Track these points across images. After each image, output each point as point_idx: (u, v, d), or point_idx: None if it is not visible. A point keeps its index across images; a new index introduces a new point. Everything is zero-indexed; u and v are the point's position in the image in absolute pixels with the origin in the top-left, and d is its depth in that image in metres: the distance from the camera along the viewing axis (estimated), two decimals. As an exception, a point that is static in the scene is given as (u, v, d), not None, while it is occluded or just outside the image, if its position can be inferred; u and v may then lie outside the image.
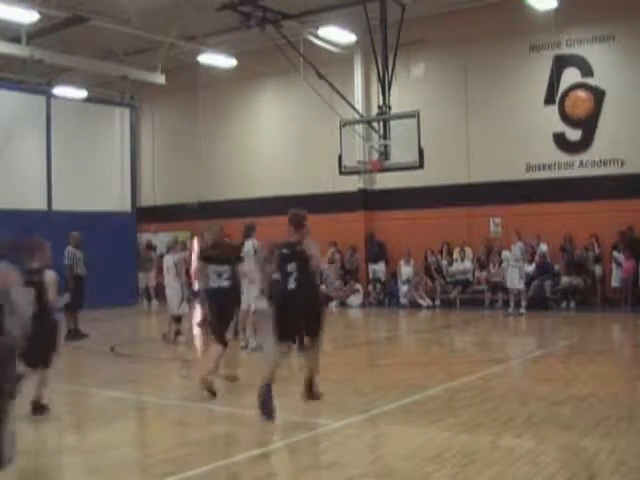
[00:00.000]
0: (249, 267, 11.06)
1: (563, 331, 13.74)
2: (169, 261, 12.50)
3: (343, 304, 18.51)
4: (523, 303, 15.75)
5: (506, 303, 16.45)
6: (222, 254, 7.93)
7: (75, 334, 13.11)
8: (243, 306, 11.24)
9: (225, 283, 7.82)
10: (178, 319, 12.44)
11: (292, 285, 6.88)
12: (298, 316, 6.94)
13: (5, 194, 17.92)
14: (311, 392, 7.23)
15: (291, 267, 6.92)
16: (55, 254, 15.92)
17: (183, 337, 12.36)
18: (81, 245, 13.36)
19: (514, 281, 15.78)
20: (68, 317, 13.10)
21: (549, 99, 17.51)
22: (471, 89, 18.42)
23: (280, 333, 6.91)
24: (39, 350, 6.04)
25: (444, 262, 18.36)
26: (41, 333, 5.75)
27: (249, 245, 11.08)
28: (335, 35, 17.61)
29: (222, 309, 7.82)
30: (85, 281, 13.38)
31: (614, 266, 16.09)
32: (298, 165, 21.12)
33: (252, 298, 11.05)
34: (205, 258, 7.93)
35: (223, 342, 7.66)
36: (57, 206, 19.21)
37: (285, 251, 7.03)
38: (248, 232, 11.23)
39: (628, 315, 15.26)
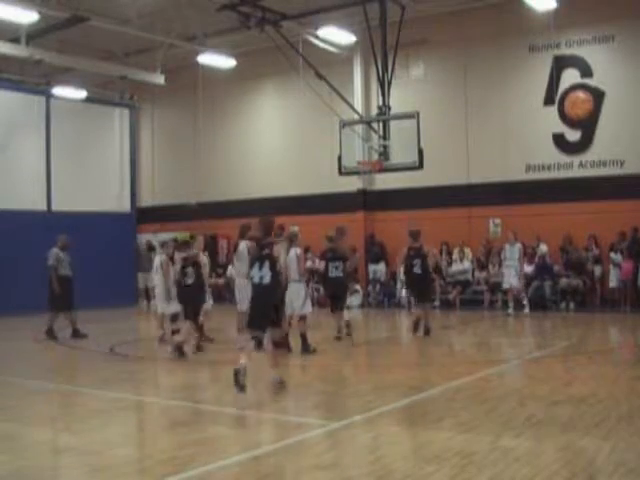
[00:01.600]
0: (242, 268, 11.05)
1: (562, 331, 13.75)
2: (157, 261, 12.57)
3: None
4: (510, 304, 15.86)
5: (505, 304, 16.47)
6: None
7: (75, 333, 13.24)
8: (241, 307, 11.23)
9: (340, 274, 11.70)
10: (174, 318, 12.42)
11: (417, 270, 12.11)
12: (416, 285, 12.58)
13: (5, 194, 17.93)
14: (416, 328, 12.41)
15: (416, 261, 12.05)
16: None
17: (181, 337, 12.34)
18: (68, 247, 13.44)
19: (510, 280, 15.81)
20: (63, 317, 13.30)
21: (549, 100, 17.53)
22: (470, 90, 18.44)
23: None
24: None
25: (443, 262, 18.37)
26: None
27: (243, 246, 11.05)
28: (334, 36, 17.63)
29: (334, 292, 12.04)
30: (72, 281, 13.42)
31: (611, 267, 16.12)
32: (298, 165, 21.13)
33: (248, 298, 11.02)
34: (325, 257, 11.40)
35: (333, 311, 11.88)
36: (56, 206, 19.22)
37: (412, 252, 12.01)
38: (243, 232, 11.20)
39: (627, 315, 15.28)
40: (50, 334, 13.16)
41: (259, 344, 8.29)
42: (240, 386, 7.31)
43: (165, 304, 12.29)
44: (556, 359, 10.22)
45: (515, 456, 5.29)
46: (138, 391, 8.61)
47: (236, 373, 7.30)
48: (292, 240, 10.96)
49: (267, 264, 7.75)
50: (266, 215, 8.51)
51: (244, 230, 11.20)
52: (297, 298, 10.67)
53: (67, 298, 13.19)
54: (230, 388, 7.74)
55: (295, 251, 10.79)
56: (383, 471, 5.09)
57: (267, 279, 7.75)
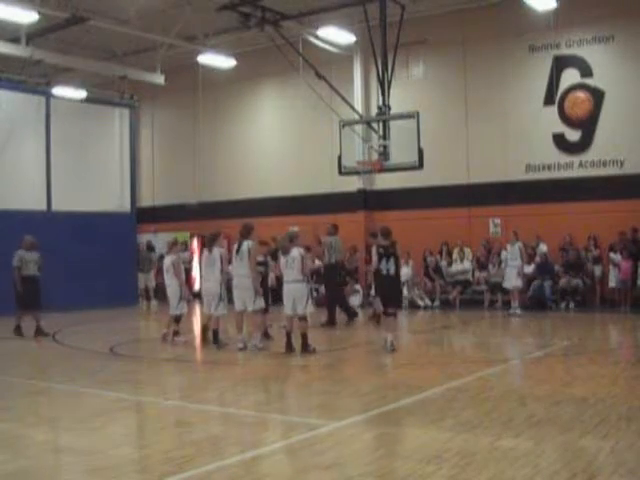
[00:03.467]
0: (244, 268, 11.03)
1: (562, 331, 13.74)
2: (167, 261, 12.51)
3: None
4: (515, 303, 15.71)
5: (506, 303, 16.45)
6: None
7: (18, 331, 13.58)
8: (238, 306, 11.21)
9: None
10: (177, 319, 12.42)
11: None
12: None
13: (5, 194, 17.91)
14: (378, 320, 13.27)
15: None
16: (53, 256, 16.01)
17: (182, 337, 12.35)
18: (34, 248, 13.82)
19: (511, 280, 15.72)
20: (26, 316, 13.70)
21: (549, 100, 17.54)
22: (470, 89, 18.45)
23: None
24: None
25: (443, 262, 18.37)
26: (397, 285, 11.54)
27: (245, 246, 11.03)
28: (334, 35, 17.64)
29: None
30: (38, 281, 13.77)
31: (611, 267, 16.11)
32: (298, 165, 21.14)
33: (248, 298, 11.01)
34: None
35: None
36: (57, 206, 19.20)
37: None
38: (246, 232, 11.17)
39: (627, 316, 15.28)
40: (18, 331, 13.55)
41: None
42: (393, 349, 10.50)
43: (175, 305, 12.27)
44: (556, 359, 10.22)
45: (515, 456, 5.29)
46: (138, 391, 8.61)
47: (391, 342, 10.50)
48: (292, 240, 10.93)
49: (392, 260, 10.60)
50: (385, 225, 11.57)
51: (247, 230, 11.16)
52: (300, 298, 10.63)
53: (33, 297, 13.60)
54: (229, 388, 7.76)
55: (298, 251, 10.76)
56: (383, 471, 5.10)
57: (392, 271, 10.61)
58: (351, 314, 14.69)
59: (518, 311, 15.60)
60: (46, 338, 13.36)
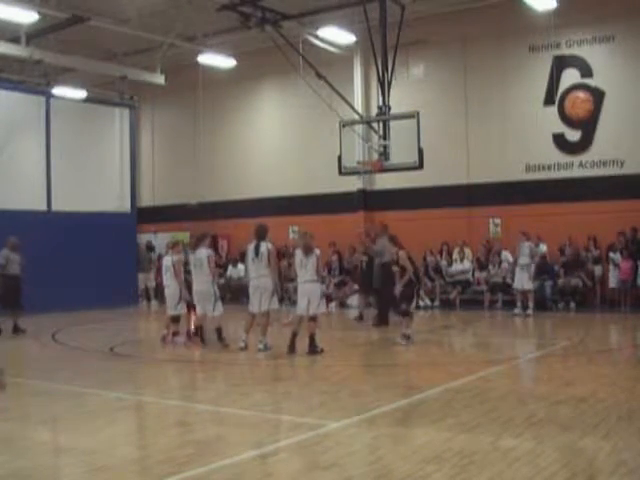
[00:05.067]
0: (265, 269, 10.99)
1: (562, 331, 13.74)
2: (167, 261, 12.48)
3: (342, 305, 18.53)
4: (531, 304, 15.58)
5: (506, 304, 16.43)
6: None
7: (15, 330, 13.82)
8: (253, 309, 11.16)
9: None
10: (176, 319, 12.40)
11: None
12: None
13: (5, 194, 17.91)
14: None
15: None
16: (53, 256, 15.94)
17: (181, 338, 12.34)
18: (17, 248, 14.16)
19: (522, 282, 15.57)
20: (10, 315, 13.90)
21: (549, 100, 17.54)
22: (470, 90, 18.45)
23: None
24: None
25: (444, 262, 18.37)
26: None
27: (264, 247, 11.00)
28: (335, 35, 17.64)
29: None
30: (20, 280, 14.10)
31: (611, 267, 16.10)
32: (298, 165, 21.14)
33: (265, 299, 10.99)
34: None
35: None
36: (57, 206, 19.20)
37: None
38: (263, 234, 11.12)
39: (627, 316, 15.28)
40: (17, 330, 13.75)
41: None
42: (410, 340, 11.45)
43: (174, 306, 12.25)
44: (556, 359, 10.22)
45: (515, 456, 5.30)
46: (138, 391, 8.61)
47: (408, 336, 11.43)
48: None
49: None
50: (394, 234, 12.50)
51: (264, 231, 11.10)
52: (315, 298, 10.63)
53: (16, 295, 13.85)
54: (229, 388, 7.74)
55: (314, 251, 10.76)
56: (383, 471, 5.10)
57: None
58: (405, 313, 14.52)
59: (530, 312, 15.46)
60: (24, 334, 13.72)
